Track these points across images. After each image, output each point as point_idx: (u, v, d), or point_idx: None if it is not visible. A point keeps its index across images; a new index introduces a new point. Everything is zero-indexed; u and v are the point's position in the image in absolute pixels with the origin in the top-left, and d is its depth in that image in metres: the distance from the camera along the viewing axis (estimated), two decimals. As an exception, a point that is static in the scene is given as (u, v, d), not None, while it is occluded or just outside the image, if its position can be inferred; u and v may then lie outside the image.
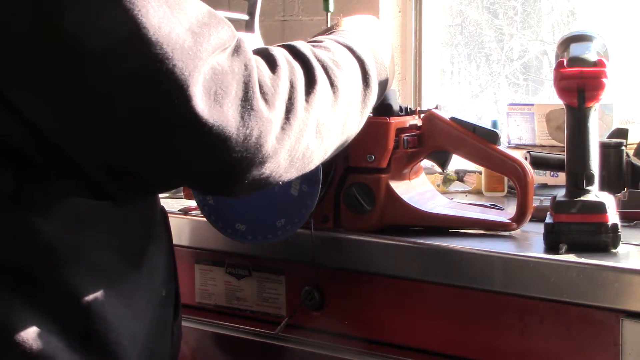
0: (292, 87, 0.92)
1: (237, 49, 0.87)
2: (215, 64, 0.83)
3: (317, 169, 1.26)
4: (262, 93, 0.87)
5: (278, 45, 0.99)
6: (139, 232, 1.02)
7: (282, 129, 0.89)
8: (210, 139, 0.83)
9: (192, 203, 1.43)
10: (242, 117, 0.84)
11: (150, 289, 1.03)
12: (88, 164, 0.87)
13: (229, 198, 1.26)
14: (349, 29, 1.19)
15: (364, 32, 1.19)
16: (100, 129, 0.82)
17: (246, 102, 0.85)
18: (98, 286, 0.93)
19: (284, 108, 0.90)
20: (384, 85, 1.16)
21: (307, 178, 1.26)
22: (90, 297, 0.91)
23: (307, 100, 0.93)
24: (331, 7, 1.50)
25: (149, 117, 0.81)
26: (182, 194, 1.55)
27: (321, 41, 1.08)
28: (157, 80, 0.79)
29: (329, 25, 1.28)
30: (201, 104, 0.81)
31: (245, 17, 1.42)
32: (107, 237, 0.95)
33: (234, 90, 0.84)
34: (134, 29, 0.78)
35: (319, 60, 0.99)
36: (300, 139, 0.92)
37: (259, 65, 0.90)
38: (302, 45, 1.00)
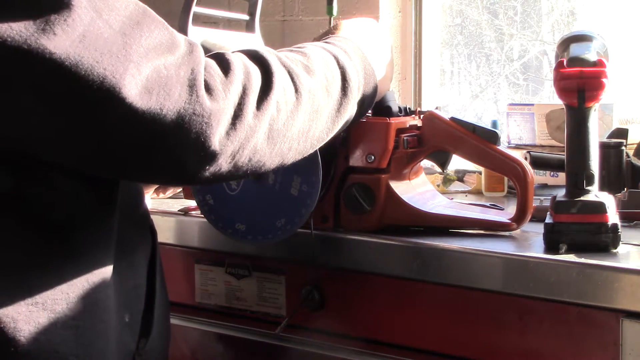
0: (244, 92, 0.93)
1: (187, 53, 0.89)
2: (160, 66, 0.86)
3: (317, 168, 1.26)
4: (210, 96, 0.89)
5: (239, 51, 1.00)
6: (102, 251, 0.99)
7: (227, 133, 0.90)
8: (148, 138, 0.85)
9: (192, 203, 1.43)
10: (182, 119, 0.86)
11: (101, 314, 0.98)
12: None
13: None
14: (345, 35, 1.18)
15: (360, 38, 1.19)
16: (50, 134, 0.84)
17: (189, 104, 0.87)
18: (18, 303, 0.90)
19: (231, 112, 0.91)
20: (370, 96, 1.16)
21: (307, 178, 1.26)
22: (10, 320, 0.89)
23: (258, 106, 0.94)
24: (335, 12, 1.50)
25: (88, 121, 0.83)
26: (182, 193, 1.55)
27: (303, 47, 1.08)
28: (90, 87, 0.81)
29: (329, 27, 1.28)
30: (138, 103, 0.83)
31: (246, 17, 1.42)
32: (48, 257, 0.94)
33: (177, 93, 0.86)
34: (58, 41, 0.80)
35: (284, 65, 1.00)
36: (246, 144, 0.93)
37: (211, 70, 0.91)
38: (266, 51, 1.01)
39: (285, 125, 0.98)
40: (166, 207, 1.53)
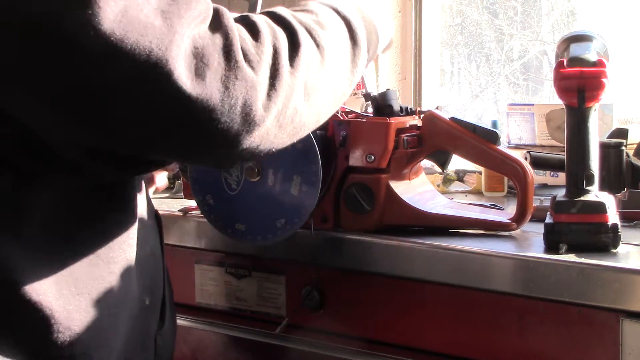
0: (275, 52, 0.91)
1: (216, 20, 0.87)
2: (195, 37, 0.84)
3: (317, 168, 1.26)
4: (247, 61, 0.87)
5: (261, 13, 0.99)
6: (118, 236, 1.00)
7: (268, 95, 0.89)
8: (195, 111, 0.83)
9: (192, 203, 1.43)
10: (226, 87, 0.84)
11: (128, 297, 1.01)
12: (78, 151, 0.88)
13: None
14: None
15: None
16: (90, 113, 0.82)
17: (230, 71, 0.85)
18: (62, 293, 0.91)
19: (268, 74, 0.89)
20: (374, 44, 1.14)
21: (307, 178, 1.26)
22: (53, 305, 0.90)
23: (292, 64, 0.93)
24: None
25: (134, 97, 0.81)
26: (181, 193, 1.55)
27: (304, 4, 1.07)
28: (135, 61, 0.79)
29: None
30: (183, 77, 0.81)
31: (245, 17, 1.42)
32: (76, 243, 0.95)
33: (217, 61, 0.84)
34: (98, 13, 0.78)
35: (301, 23, 0.99)
36: (287, 104, 0.92)
37: (241, 34, 0.89)
38: (282, 11, 1.00)
39: (317, 80, 0.97)
40: (166, 207, 1.53)
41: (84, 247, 0.94)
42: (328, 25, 1.03)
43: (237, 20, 0.93)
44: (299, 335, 1.37)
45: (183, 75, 0.81)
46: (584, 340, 1.14)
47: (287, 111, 0.92)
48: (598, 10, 2.44)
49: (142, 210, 1.07)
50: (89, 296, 0.94)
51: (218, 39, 0.85)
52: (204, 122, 0.84)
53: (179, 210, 1.49)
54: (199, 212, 1.38)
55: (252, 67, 0.87)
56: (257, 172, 1.29)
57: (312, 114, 0.98)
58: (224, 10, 0.89)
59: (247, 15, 0.94)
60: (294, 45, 0.94)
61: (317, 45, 0.98)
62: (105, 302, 0.96)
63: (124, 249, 1.00)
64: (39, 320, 0.88)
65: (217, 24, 0.87)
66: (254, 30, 0.91)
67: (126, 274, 1.00)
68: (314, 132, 1.29)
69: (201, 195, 1.33)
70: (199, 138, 0.86)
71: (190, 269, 1.48)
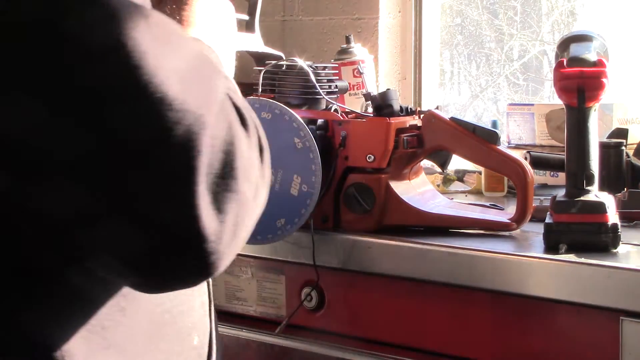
0: (257, 155, 0.79)
1: (224, 101, 0.74)
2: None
3: (317, 168, 1.26)
4: (244, 168, 0.74)
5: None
6: None
7: (253, 212, 0.77)
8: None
9: (192, 203, 1.43)
10: (218, 200, 0.70)
11: (176, 338, 0.87)
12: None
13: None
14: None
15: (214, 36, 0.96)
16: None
17: (224, 179, 0.71)
18: (91, 349, 0.77)
19: (255, 185, 0.77)
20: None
21: (307, 178, 1.26)
22: None
23: (262, 174, 0.81)
24: None
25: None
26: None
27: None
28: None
29: None
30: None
31: (246, 17, 1.42)
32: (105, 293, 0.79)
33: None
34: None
35: (253, 113, 0.82)
36: (256, 221, 0.80)
37: (238, 126, 0.75)
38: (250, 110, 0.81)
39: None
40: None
41: (112, 292, 0.80)
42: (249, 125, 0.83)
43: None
44: (299, 335, 1.37)
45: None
46: (584, 340, 1.14)
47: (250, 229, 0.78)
48: (598, 10, 2.44)
49: None
50: (119, 348, 0.80)
51: (219, 131, 0.72)
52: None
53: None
54: (199, 212, 1.38)
55: (248, 185, 0.75)
56: (257, 172, 1.29)
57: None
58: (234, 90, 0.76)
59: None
60: (262, 156, 0.82)
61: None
62: (140, 351, 0.82)
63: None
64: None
65: (223, 108, 0.73)
66: (246, 127, 0.76)
67: (163, 314, 0.86)
68: (314, 132, 1.30)
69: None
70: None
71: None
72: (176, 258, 0.70)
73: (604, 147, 1.34)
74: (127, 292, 0.80)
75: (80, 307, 0.78)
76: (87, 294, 0.78)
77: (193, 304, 0.92)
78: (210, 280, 0.95)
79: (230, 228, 0.72)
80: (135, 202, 0.68)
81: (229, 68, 0.96)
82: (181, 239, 0.69)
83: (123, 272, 0.73)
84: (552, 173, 1.74)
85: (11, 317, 0.75)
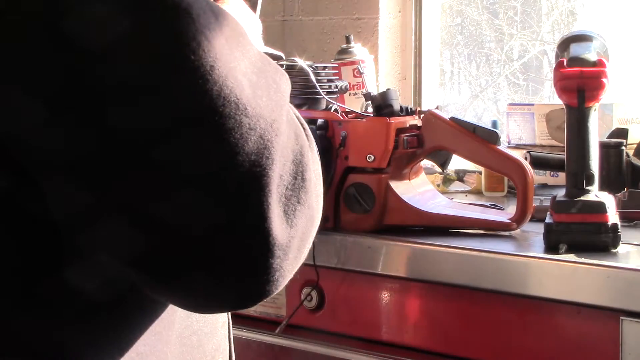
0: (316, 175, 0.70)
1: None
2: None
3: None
4: (314, 180, 0.68)
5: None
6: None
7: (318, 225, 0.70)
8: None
9: (192, 203, 1.43)
10: (288, 214, 0.65)
11: None
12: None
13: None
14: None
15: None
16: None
17: (294, 191, 0.66)
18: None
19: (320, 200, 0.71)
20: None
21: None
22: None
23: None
24: None
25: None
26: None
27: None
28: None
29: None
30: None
31: (245, 17, 1.42)
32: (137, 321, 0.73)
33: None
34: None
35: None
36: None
37: (303, 135, 0.69)
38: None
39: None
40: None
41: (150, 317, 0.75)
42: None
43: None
44: (299, 335, 1.37)
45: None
46: (584, 340, 1.14)
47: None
48: (598, 10, 2.44)
49: None
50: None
51: (287, 138, 0.67)
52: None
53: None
54: (199, 212, 1.38)
55: (317, 200, 0.70)
56: (257, 172, 1.29)
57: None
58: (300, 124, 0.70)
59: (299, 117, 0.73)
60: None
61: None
62: None
63: (183, 314, 0.79)
64: None
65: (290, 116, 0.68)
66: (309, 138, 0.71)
67: (190, 338, 0.81)
68: (314, 132, 1.30)
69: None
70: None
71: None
72: (240, 275, 0.64)
73: (604, 147, 1.34)
74: (163, 314, 0.74)
75: (111, 328, 0.71)
76: (118, 312, 0.71)
77: (216, 325, 0.86)
78: None
79: (297, 243, 0.66)
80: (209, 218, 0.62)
81: None
82: (249, 254, 0.63)
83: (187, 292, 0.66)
84: (552, 173, 1.74)
85: (10, 320, 0.69)
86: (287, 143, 0.65)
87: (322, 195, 0.71)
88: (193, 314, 0.79)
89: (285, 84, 0.68)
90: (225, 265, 0.63)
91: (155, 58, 0.61)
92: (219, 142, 0.61)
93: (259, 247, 0.63)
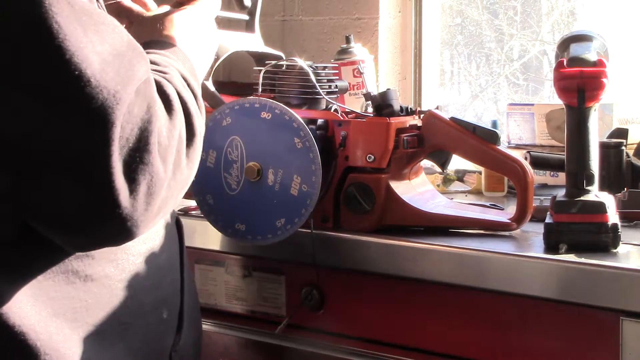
0: (180, 137, 0.85)
1: (144, 84, 0.81)
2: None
3: (317, 168, 1.26)
4: (159, 144, 0.81)
5: (157, 74, 0.88)
6: (99, 253, 0.93)
7: (169, 186, 0.83)
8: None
9: (192, 203, 1.43)
10: (130, 169, 0.79)
11: (136, 313, 0.97)
12: None
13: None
14: (178, 37, 1.02)
15: (190, 39, 1.04)
16: None
17: (138, 152, 0.79)
18: (41, 315, 0.86)
19: (172, 162, 0.83)
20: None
21: (307, 178, 1.26)
22: (35, 328, 0.86)
23: (188, 155, 0.87)
24: None
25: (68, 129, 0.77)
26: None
27: (166, 73, 0.91)
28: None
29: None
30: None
31: (246, 17, 1.42)
32: (48, 261, 0.89)
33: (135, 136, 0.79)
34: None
35: (193, 106, 0.90)
36: (177, 196, 0.87)
37: (159, 109, 0.82)
38: (177, 82, 0.90)
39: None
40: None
41: (55, 265, 0.89)
42: (202, 111, 0.94)
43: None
44: (299, 335, 1.37)
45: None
46: (584, 340, 1.14)
47: (173, 201, 0.87)
48: (598, 10, 2.44)
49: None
50: (67, 317, 0.88)
51: (137, 110, 0.80)
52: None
53: (178, 210, 1.49)
54: (199, 212, 1.38)
55: (161, 154, 0.81)
56: (257, 172, 1.29)
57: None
58: (152, 80, 0.84)
59: (159, 82, 0.86)
60: (190, 133, 0.88)
61: (198, 134, 0.90)
62: (91, 321, 0.91)
63: (106, 265, 0.94)
64: (26, 345, 0.85)
65: (143, 89, 0.81)
66: (168, 106, 0.85)
67: (120, 289, 0.95)
68: (314, 132, 1.30)
69: (201, 195, 1.33)
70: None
71: (191, 269, 1.48)
72: (97, 220, 0.79)
73: (604, 147, 1.34)
74: (78, 268, 0.90)
75: (28, 275, 0.86)
76: (35, 264, 0.87)
77: (161, 281, 1.02)
78: (184, 261, 1.11)
79: (143, 197, 0.79)
80: (74, 161, 0.76)
81: (205, 62, 1.06)
82: (99, 202, 0.78)
83: (58, 231, 0.82)
84: (552, 173, 1.74)
85: None
86: (134, 111, 0.78)
87: (180, 161, 0.84)
88: (127, 269, 0.95)
89: (141, 67, 0.81)
90: (88, 211, 0.78)
91: (7, 37, 0.75)
92: (64, 102, 0.76)
93: (107, 197, 0.77)
